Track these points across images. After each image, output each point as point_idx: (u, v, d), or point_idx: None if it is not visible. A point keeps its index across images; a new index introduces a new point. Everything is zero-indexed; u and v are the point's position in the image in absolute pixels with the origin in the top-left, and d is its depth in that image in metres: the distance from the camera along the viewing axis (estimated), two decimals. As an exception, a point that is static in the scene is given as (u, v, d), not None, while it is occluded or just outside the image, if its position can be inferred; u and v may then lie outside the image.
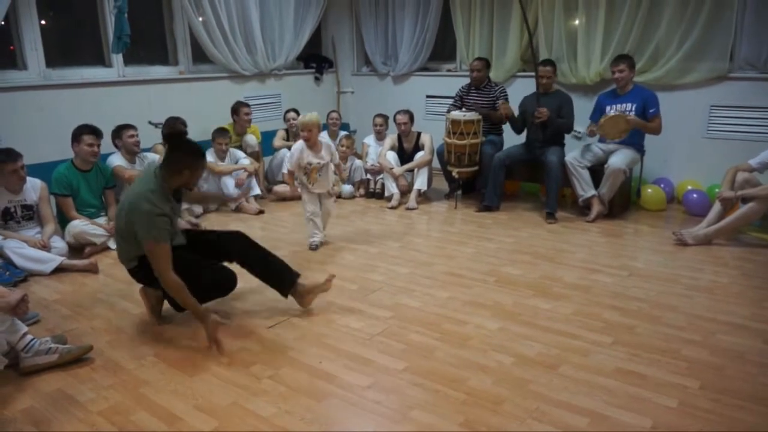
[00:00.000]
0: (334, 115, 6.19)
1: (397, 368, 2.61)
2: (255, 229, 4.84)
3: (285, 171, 5.70)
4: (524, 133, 5.28)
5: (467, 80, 5.54)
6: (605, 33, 5.37)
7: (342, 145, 5.72)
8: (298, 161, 4.17)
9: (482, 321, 3.05)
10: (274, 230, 4.77)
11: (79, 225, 4.21)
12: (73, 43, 5.33)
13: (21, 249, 3.82)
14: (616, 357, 2.66)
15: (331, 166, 4.28)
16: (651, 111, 4.65)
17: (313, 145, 4.15)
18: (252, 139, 5.80)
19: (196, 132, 5.31)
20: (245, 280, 3.65)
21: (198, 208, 5.16)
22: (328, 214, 4.44)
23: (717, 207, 4.23)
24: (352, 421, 2.26)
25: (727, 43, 4.89)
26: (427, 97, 6.71)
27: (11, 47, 4.73)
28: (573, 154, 4.86)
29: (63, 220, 4.30)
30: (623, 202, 5.00)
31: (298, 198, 5.65)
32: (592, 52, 5.47)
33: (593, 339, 2.83)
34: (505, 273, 3.73)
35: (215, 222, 5.04)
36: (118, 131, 4.59)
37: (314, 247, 4.27)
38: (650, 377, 2.49)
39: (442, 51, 6.77)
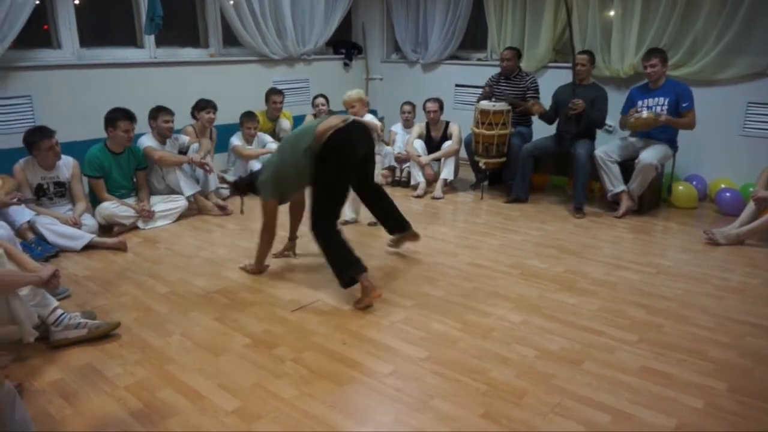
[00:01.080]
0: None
1: (418, 356, 2.61)
2: (282, 213, 4.83)
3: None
4: (554, 125, 5.21)
5: (497, 69, 5.48)
6: (641, 25, 5.26)
7: None
8: None
9: (505, 313, 3.04)
10: (300, 215, 4.79)
11: (110, 207, 4.28)
12: (107, 23, 5.39)
13: (53, 225, 3.91)
14: (641, 355, 2.63)
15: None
16: (684, 105, 4.55)
17: None
18: (286, 123, 5.86)
19: (225, 115, 5.34)
20: (270, 263, 3.69)
21: (225, 191, 5.20)
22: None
23: (751, 207, 4.13)
24: (372, 407, 2.27)
25: (767, 39, 4.75)
26: (456, 86, 6.65)
27: (45, 26, 4.80)
28: (603, 148, 4.78)
29: (94, 200, 4.38)
30: (653, 199, 4.92)
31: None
32: (626, 44, 5.37)
33: (618, 336, 2.80)
34: (530, 266, 3.70)
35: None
36: (156, 113, 4.65)
37: (343, 223, 4.27)
38: (676, 377, 2.46)
39: (473, 40, 6.70)
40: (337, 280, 3.16)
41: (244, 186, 3.69)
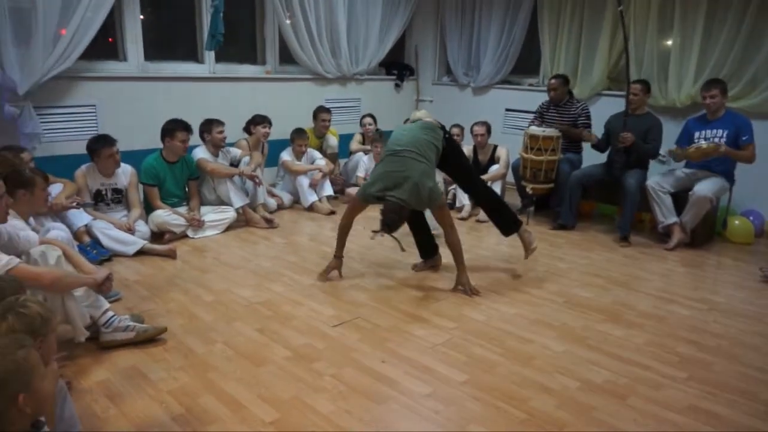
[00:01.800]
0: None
1: (457, 380, 2.58)
2: (326, 229, 4.93)
3: (360, 174, 5.85)
4: (605, 152, 5.13)
5: (547, 96, 5.45)
6: (700, 54, 5.15)
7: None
8: None
9: (548, 341, 2.98)
10: (345, 232, 4.83)
11: (162, 215, 4.41)
12: (170, 38, 5.61)
13: (108, 230, 4.05)
14: (689, 393, 2.54)
15: None
16: (744, 138, 4.40)
17: None
18: (333, 140, 5.95)
19: (277, 130, 5.46)
20: (313, 278, 3.73)
21: (273, 204, 5.30)
22: None
23: (811, 245, 3.96)
24: (409, 427, 2.26)
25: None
26: (506, 110, 6.63)
27: (110, 39, 5.03)
28: (655, 178, 4.67)
29: (148, 207, 4.52)
30: (707, 232, 4.77)
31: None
32: (684, 74, 5.25)
33: (666, 372, 2.71)
34: (575, 295, 3.63)
35: (287, 218, 5.16)
36: (209, 125, 4.79)
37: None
38: (725, 418, 2.36)
39: (526, 64, 6.68)
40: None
41: (396, 218, 3.36)
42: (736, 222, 4.81)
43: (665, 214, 4.58)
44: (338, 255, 3.79)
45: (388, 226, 3.35)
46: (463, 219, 5.28)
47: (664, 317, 3.33)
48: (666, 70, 5.38)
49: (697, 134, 4.60)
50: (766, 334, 3.16)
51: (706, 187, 4.42)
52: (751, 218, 4.90)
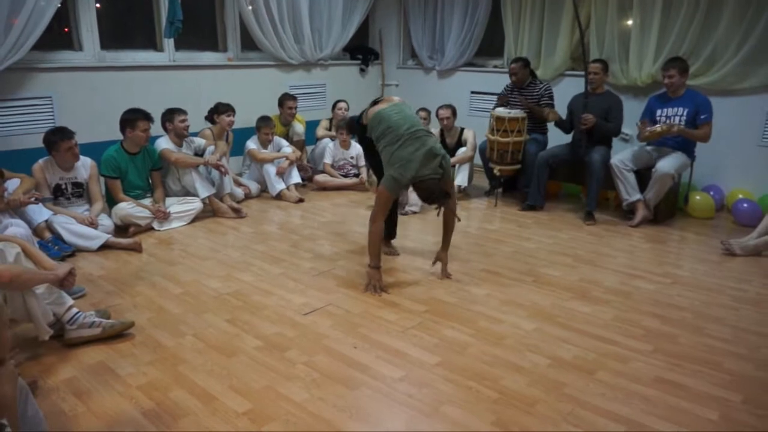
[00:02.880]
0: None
1: (430, 362, 2.60)
2: (294, 217, 4.89)
3: (327, 161, 5.82)
4: (570, 133, 5.19)
5: (510, 80, 5.46)
6: (660, 34, 5.22)
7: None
8: None
9: (518, 320, 3.02)
10: (314, 219, 4.81)
11: (126, 207, 4.32)
12: (127, 26, 5.46)
13: (69, 225, 3.95)
14: (656, 366, 2.60)
15: None
16: (702, 117, 4.50)
17: None
18: (299, 127, 5.89)
19: (241, 119, 5.38)
20: (283, 266, 3.71)
21: (240, 193, 5.23)
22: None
23: (769, 218, 4.08)
24: (383, 412, 2.26)
25: (788, 48, 4.70)
26: (472, 93, 6.65)
27: (66, 29, 4.87)
28: (619, 156, 4.74)
29: (110, 200, 4.42)
30: (669, 208, 4.87)
31: (339, 188, 5.72)
32: (645, 53, 5.33)
33: (633, 346, 2.77)
34: (543, 273, 3.67)
35: (255, 208, 5.11)
36: (171, 115, 4.68)
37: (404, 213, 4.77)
38: (691, 388, 2.43)
39: (490, 47, 6.69)
40: None
41: (437, 193, 3.28)
42: (698, 197, 4.93)
43: (629, 192, 4.66)
44: (377, 265, 3.40)
45: (430, 201, 3.36)
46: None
47: (630, 293, 3.40)
48: (627, 50, 5.45)
49: (658, 111, 4.69)
50: (728, 305, 3.25)
51: (667, 164, 4.51)
52: (712, 193, 5.03)
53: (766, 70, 4.80)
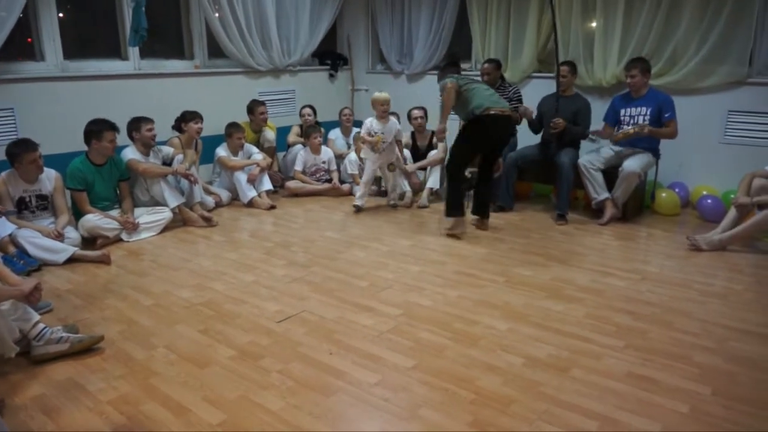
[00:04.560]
0: (347, 111, 6.22)
1: (406, 366, 2.60)
2: (266, 224, 4.86)
3: (297, 168, 5.79)
4: (539, 134, 5.25)
5: (480, 79, 5.51)
6: (623, 35, 5.33)
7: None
8: (369, 131, 5.07)
9: (493, 321, 3.04)
10: (286, 225, 4.78)
11: (93, 219, 4.24)
12: (91, 35, 5.37)
13: (35, 238, 3.86)
14: (627, 361, 2.64)
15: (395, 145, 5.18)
16: (666, 115, 4.60)
17: (381, 118, 5.10)
18: (270, 134, 5.86)
19: (210, 126, 5.33)
20: (256, 274, 3.68)
21: (210, 202, 5.18)
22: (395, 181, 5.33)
23: (732, 213, 4.18)
24: (359, 418, 2.25)
25: (746, 47, 4.83)
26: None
27: (29, 39, 4.77)
28: (587, 156, 4.82)
29: (77, 212, 4.33)
30: (637, 206, 4.96)
31: (311, 194, 5.70)
32: (609, 54, 5.43)
33: (605, 342, 2.81)
34: (516, 274, 3.71)
35: (226, 216, 5.06)
36: (137, 124, 4.61)
37: (356, 210, 5.14)
38: (662, 382, 2.47)
39: (458, 50, 6.72)
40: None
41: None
42: (664, 195, 5.03)
43: (597, 191, 4.74)
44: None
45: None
46: (406, 206, 5.31)
47: (601, 290, 3.45)
48: (591, 51, 5.54)
49: (622, 111, 4.78)
50: (696, 299, 3.32)
51: (633, 163, 4.59)
52: (677, 190, 5.14)
53: (726, 69, 4.93)
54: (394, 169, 5.27)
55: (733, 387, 2.44)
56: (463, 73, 6.66)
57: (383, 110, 5.06)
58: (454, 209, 4.42)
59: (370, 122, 5.12)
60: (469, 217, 4.67)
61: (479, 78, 5.01)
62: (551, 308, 3.20)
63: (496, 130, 4.35)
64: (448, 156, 4.53)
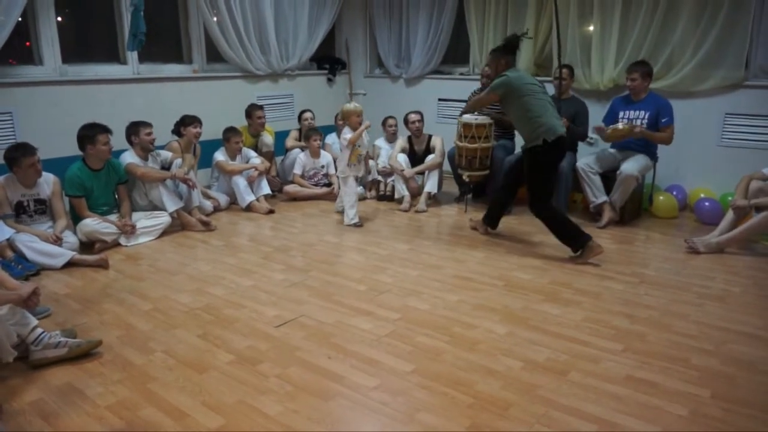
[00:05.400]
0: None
1: (404, 370, 2.60)
2: (265, 229, 4.86)
3: (296, 171, 5.79)
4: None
5: (479, 84, 5.53)
6: (620, 39, 5.35)
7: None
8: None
9: (491, 325, 3.04)
10: (284, 230, 4.78)
11: (91, 224, 4.23)
12: (89, 39, 5.38)
13: (33, 243, 3.85)
14: (626, 364, 2.64)
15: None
16: (664, 120, 4.61)
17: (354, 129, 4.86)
18: (268, 138, 5.86)
19: (208, 131, 5.33)
20: (254, 278, 3.67)
21: (209, 206, 5.18)
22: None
23: (730, 216, 4.19)
24: (358, 422, 2.25)
25: (742, 51, 4.86)
26: (439, 100, 6.70)
27: (27, 43, 4.78)
28: (584, 159, 4.83)
29: (75, 217, 4.32)
30: (635, 209, 4.97)
31: (309, 198, 5.70)
32: (606, 57, 5.45)
33: (603, 346, 2.81)
34: (514, 277, 3.71)
35: (225, 220, 5.06)
36: (136, 128, 4.61)
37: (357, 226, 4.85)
38: (661, 385, 2.47)
39: (456, 54, 6.76)
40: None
41: None
42: (661, 198, 5.04)
43: (595, 194, 4.75)
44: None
45: None
46: (404, 211, 5.31)
47: (599, 293, 3.45)
48: (588, 55, 5.56)
49: (621, 113, 4.80)
50: (694, 302, 3.33)
51: (631, 166, 4.60)
52: (675, 193, 5.15)
53: (723, 73, 4.95)
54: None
55: (732, 389, 2.44)
56: (459, 73, 6.62)
57: (359, 121, 4.82)
58: (574, 241, 3.95)
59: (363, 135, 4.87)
60: (470, 216, 4.65)
61: (534, 83, 4.07)
62: (549, 312, 3.20)
63: (564, 152, 4.00)
64: (528, 195, 4.04)
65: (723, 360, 2.69)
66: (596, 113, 5.12)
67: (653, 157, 4.82)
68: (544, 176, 3.95)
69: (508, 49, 4.09)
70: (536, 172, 3.95)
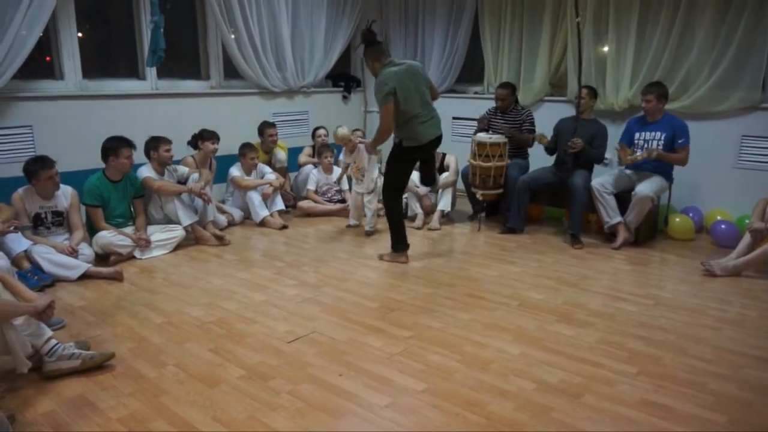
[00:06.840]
0: (359, 132, 6.27)
1: (416, 389, 2.58)
2: (278, 244, 4.87)
3: (310, 187, 5.82)
4: (552, 157, 5.25)
5: (494, 103, 5.54)
6: (635, 59, 5.35)
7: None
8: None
9: (504, 345, 3.02)
10: (297, 245, 4.79)
11: (107, 236, 4.27)
12: (109, 55, 5.47)
13: (49, 254, 3.89)
14: (641, 388, 2.60)
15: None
16: (680, 141, 4.58)
17: (350, 151, 5.21)
18: (281, 154, 5.91)
19: (224, 146, 5.38)
20: (267, 293, 3.68)
21: (223, 221, 5.21)
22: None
23: (747, 238, 4.14)
24: (369, 441, 2.24)
25: (759, 73, 4.83)
26: (454, 118, 6.72)
27: (48, 58, 4.87)
28: (599, 179, 4.80)
29: (91, 229, 4.37)
30: (650, 230, 4.93)
31: (323, 214, 5.72)
32: (621, 78, 5.44)
33: (618, 368, 2.78)
34: (528, 297, 3.68)
35: (239, 235, 5.09)
36: (156, 143, 4.67)
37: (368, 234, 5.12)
38: (676, 410, 2.43)
39: (470, 73, 6.79)
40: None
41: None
42: (677, 219, 5.00)
43: (610, 215, 4.71)
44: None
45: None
46: (418, 228, 5.30)
47: (614, 315, 3.42)
48: (603, 75, 5.56)
49: (636, 135, 4.77)
50: (710, 325, 3.28)
51: (646, 187, 4.57)
52: (691, 215, 5.10)
53: (740, 94, 4.92)
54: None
55: (748, 415, 2.40)
56: (474, 92, 6.77)
57: (352, 146, 5.16)
58: (397, 242, 4.42)
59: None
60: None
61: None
62: (563, 332, 3.17)
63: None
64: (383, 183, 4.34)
65: (740, 385, 2.64)
66: (611, 133, 5.10)
67: (669, 178, 4.78)
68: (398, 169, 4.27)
69: (369, 45, 4.15)
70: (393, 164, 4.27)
